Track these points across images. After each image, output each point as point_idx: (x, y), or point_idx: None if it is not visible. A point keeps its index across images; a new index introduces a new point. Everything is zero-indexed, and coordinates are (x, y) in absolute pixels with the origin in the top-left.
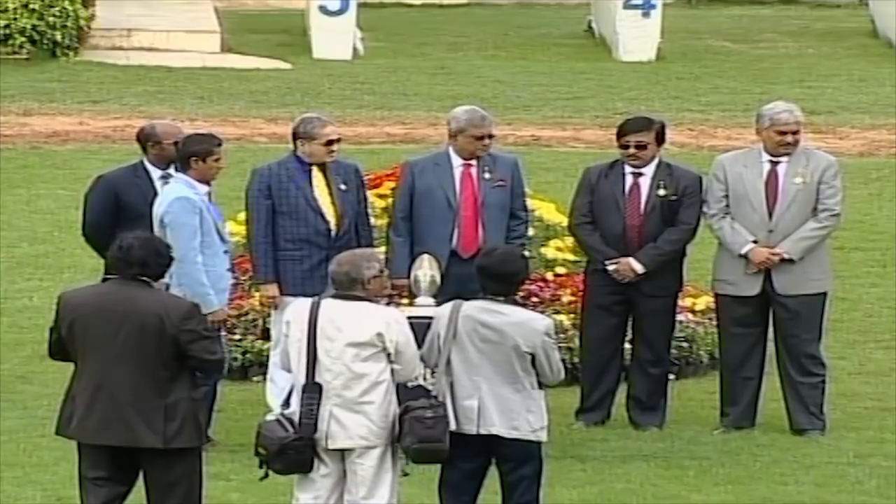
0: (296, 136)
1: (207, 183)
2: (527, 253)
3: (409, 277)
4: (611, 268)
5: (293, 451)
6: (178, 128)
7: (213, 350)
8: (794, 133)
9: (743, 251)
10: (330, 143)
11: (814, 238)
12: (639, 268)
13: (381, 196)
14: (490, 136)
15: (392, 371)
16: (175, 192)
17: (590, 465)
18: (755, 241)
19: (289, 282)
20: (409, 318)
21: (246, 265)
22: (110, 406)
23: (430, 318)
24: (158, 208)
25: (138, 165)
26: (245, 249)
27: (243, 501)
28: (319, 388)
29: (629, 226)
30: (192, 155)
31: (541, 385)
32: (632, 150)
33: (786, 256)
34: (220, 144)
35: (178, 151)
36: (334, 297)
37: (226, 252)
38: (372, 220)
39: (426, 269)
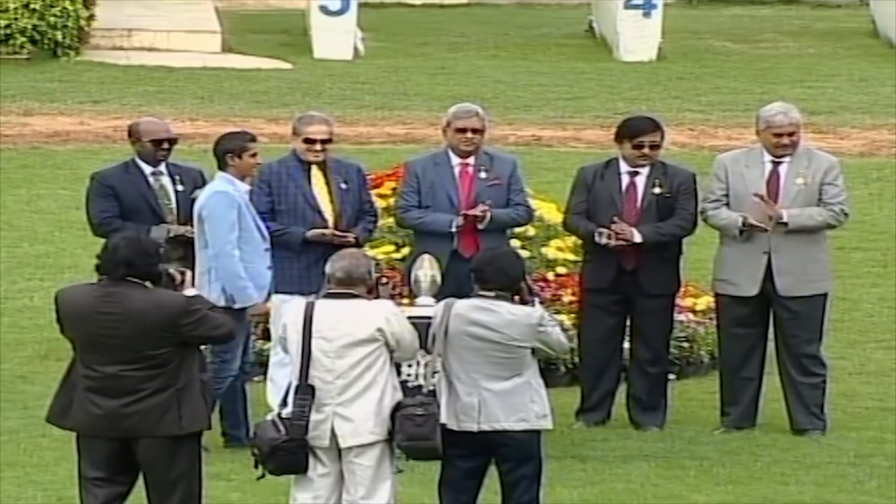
0: (292, 131)
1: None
2: (525, 253)
3: (408, 277)
4: (603, 240)
5: (284, 452)
6: (162, 125)
7: (216, 325)
8: (791, 135)
9: (740, 222)
10: (310, 141)
11: (816, 220)
12: (637, 237)
13: (381, 196)
14: (475, 131)
15: (392, 359)
16: (214, 187)
17: (590, 465)
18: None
19: (286, 279)
20: (410, 317)
21: None
22: (121, 400)
23: (431, 318)
24: (197, 203)
25: (130, 163)
26: None
27: (243, 501)
28: (312, 389)
29: (626, 223)
30: (227, 152)
31: (542, 374)
32: (646, 151)
33: (783, 216)
34: (253, 140)
35: (213, 151)
36: (328, 296)
37: (266, 250)
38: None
39: (427, 269)
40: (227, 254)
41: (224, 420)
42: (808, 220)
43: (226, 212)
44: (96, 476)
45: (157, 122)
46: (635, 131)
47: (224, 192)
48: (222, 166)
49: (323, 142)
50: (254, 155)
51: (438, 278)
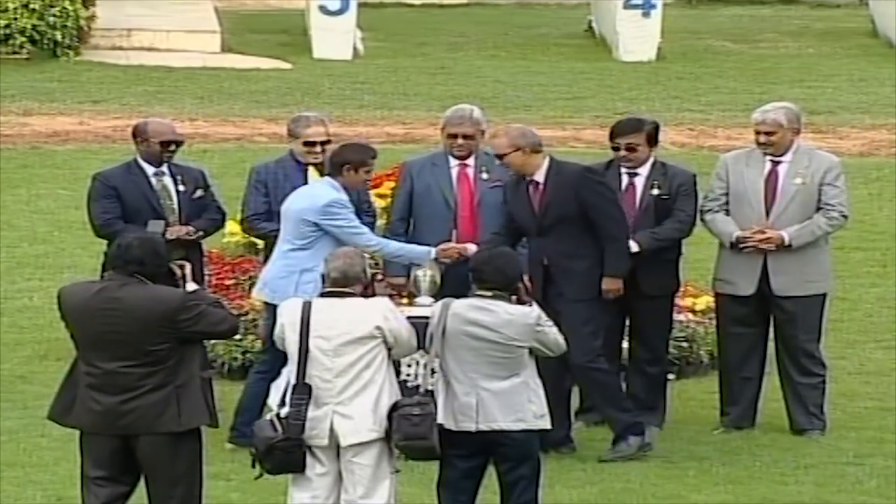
0: (288, 132)
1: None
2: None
3: (407, 277)
4: None
5: (280, 451)
6: (169, 126)
7: (216, 321)
8: (768, 134)
9: (734, 238)
10: (310, 144)
11: (817, 234)
12: (634, 246)
13: (381, 196)
14: (465, 137)
15: (390, 355)
16: (327, 194)
17: (590, 464)
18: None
19: None
20: (409, 317)
21: (246, 265)
22: (120, 397)
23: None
24: (297, 205)
25: (132, 163)
26: (245, 250)
27: (243, 501)
28: (309, 388)
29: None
30: (346, 163)
31: (540, 374)
32: (622, 153)
33: (785, 238)
34: (374, 157)
35: (333, 157)
36: (325, 295)
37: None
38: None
39: (426, 269)
40: (366, 241)
41: (238, 416)
42: (809, 237)
43: (341, 210)
44: (98, 476)
45: (164, 123)
46: (613, 132)
47: (336, 199)
48: (334, 173)
49: (323, 143)
50: (369, 171)
51: (438, 278)
